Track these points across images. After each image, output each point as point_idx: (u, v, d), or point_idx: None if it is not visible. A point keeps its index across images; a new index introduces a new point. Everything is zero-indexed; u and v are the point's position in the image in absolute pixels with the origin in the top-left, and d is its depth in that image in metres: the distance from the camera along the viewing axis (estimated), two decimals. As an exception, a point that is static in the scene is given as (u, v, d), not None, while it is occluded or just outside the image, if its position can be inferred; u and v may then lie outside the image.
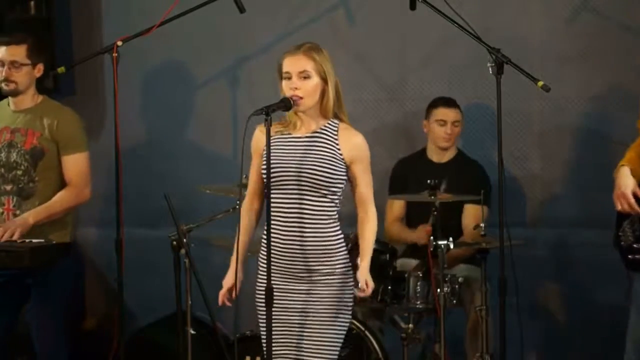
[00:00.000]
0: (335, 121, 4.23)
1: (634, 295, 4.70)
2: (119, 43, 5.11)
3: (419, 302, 5.28)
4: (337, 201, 4.22)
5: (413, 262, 5.51)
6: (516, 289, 5.10)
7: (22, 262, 4.80)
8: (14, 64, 5.10)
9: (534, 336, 5.97)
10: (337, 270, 4.18)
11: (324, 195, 4.16)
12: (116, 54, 5.09)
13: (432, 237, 5.13)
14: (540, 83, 4.80)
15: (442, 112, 5.76)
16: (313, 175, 4.15)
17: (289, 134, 4.25)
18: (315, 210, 4.17)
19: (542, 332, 6.04)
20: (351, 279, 4.22)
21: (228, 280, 4.31)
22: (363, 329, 5.21)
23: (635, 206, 4.54)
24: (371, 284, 4.18)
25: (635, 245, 4.64)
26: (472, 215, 5.60)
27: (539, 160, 6.08)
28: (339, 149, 4.18)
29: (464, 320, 5.59)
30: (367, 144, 4.25)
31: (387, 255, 5.34)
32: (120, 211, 5.08)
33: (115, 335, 5.19)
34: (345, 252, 4.23)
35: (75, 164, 5.14)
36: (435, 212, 5.18)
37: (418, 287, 5.28)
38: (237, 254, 4.30)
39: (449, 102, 5.78)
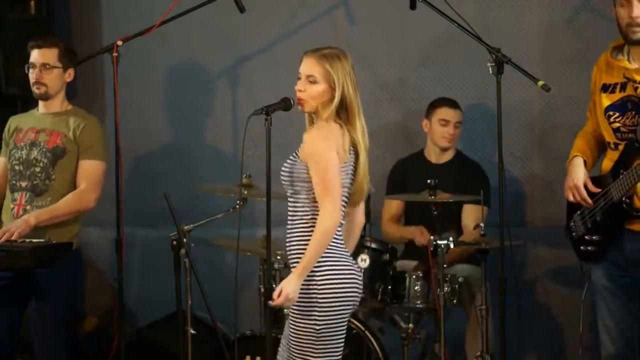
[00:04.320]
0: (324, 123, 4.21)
1: (595, 287, 4.71)
2: (119, 43, 5.11)
3: (419, 302, 5.28)
4: (309, 204, 4.14)
5: (413, 262, 5.52)
6: (516, 289, 5.10)
7: (23, 262, 4.79)
8: (45, 66, 5.10)
9: (534, 336, 5.97)
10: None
11: (291, 195, 4.18)
12: (116, 54, 5.09)
13: (432, 237, 5.14)
14: (541, 83, 4.80)
15: (445, 112, 5.75)
16: (281, 174, 4.20)
17: None
18: (290, 209, 4.19)
19: (542, 332, 6.04)
20: (326, 281, 4.10)
21: None
22: (363, 329, 5.21)
23: (587, 198, 4.59)
24: (284, 295, 4.00)
25: (586, 237, 4.67)
26: (471, 215, 5.60)
27: (539, 160, 6.08)
28: (299, 149, 4.19)
29: (464, 320, 5.59)
30: (322, 137, 4.12)
31: (387, 255, 5.35)
32: (120, 211, 5.09)
33: (115, 335, 5.19)
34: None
35: (89, 169, 5.12)
36: (435, 213, 5.18)
37: (418, 287, 5.28)
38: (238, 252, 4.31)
39: (452, 103, 5.78)
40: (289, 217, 4.19)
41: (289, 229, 4.19)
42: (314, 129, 4.20)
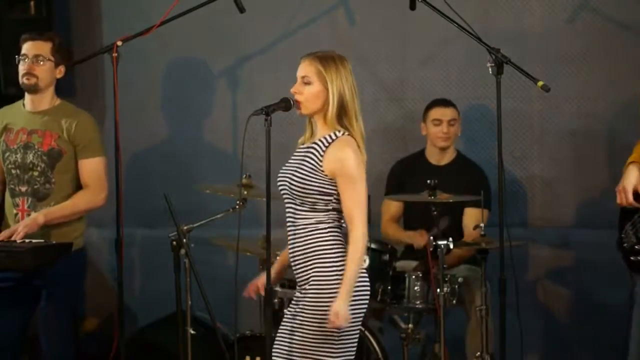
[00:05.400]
0: (339, 133, 4.16)
1: (637, 297, 4.71)
2: (119, 43, 5.11)
3: (418, 302, 5.28)
4: (325, 213, 4.13)
5: (413, 263, 5.52)
6: (516, 289, 5.10)
7: (23, 262, 4.78)
8: (37, 58, 5.07)
9: (534, 336, 5.97)
10: (320, 281, 4.10)
11: (303, 204, 4.13)
12: (116, 54, 5.09)
13: (431, 238, 5.13)
14: (540, 83, 4.80)
15: (437, 112, 5.76)
16: (287, 184, 4.14)
17: (302, 144, 4.26)
18: (297, 220, 4.15)
19: (542, 332, 6.05)
20: (336, 290, 4.09)
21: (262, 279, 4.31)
22: (363, 329, 5.20)
23: (632, 200, 4.60)
24: (342, 316, 4.01)
25: (637, 247, 4.65)
26: (472, 218, 5.58)
27: (539, 161, 6.08)
28: (320, 161, 4.13)
29: (464, 320, 5.59)
30: (357, 157, 4.10)
31: (387, 255, 5.34)
32: (120, 211, 5.09)
33: (115, 335, 5.19)
34: (333, 263, 4.11)
35: (91, 168, 5.11)
36: (435, 213, 5.18)
37: (418, 287, 5.28)
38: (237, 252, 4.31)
39: (443, 102, 5.80)
40: (297, 228, 4.13)
41: (299, 240, 4.13)
42: (344, 145, 4.12)
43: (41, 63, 5.08)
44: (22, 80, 5.11)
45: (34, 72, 5.07)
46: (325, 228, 4.14)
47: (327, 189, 4.12)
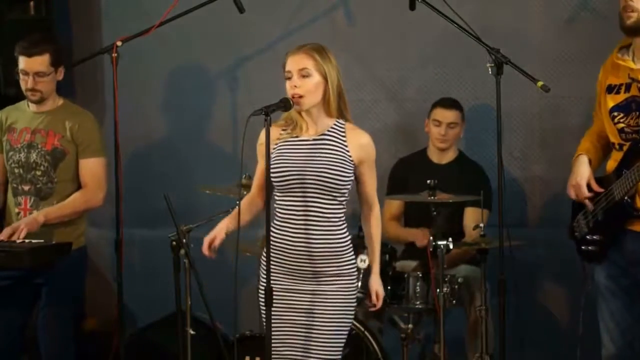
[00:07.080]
0: (342, 121, 4.25)
1: (597, 287, 4.72)
2: (119, 43, 5.11)
3: (418, 302, 5.28)
4: (344, 203, 4.25)
5: (412, 263, 5.52)
6: (516, 289, 5.09)
7: (22, 262, 4.79)
8: (38, 74, 5.07)
9: (534, 336, 5.97)
10: (344, 272, 4.23)
11: (334, 198, 4.19)
12: (116, 54, 5.09)
13: (431, 238, 5.13)
14: (540, 83, 4.80)
15: (439, 113, 5.77)
16: (322, 178, 4.16)
17: (296, 137, 4.26)
18: (323, 213, 4.19)
19: (542, 332, 6.04)
20: (356, 280, 4.29)
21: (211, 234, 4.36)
22: (362, 329, 5.21)
23: (587, 196, 4.62)
24: (382, 294, 4.29)
25: (588, 237, 4.67)
26: (472, 217, 5.58)
27: (539, 161, 6.08)
28: (347, 150, 4.20)
29: (464, 320, 5.59)
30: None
31: (387, 256, 5.34)
32: (120, 211, 5.09)
33: (115, 335, 5.19)
34: (352, 253, 4.27)
35: (91, 168, 5.14)
36: (435, 213, 5.18)
37: (417, 288, 5.28)
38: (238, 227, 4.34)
39: (447, 104, 5.78)
40: (322, 220, 4.19)
41: (327, 231, 4.20)
42: (361, 131, 4.27)
43: (43, 78, 5.08)
44: (27, 94, 5.13)
45: (37, 87, 5.09)
46: (342, 219, 4.26)
47: (353, 176, 4.25)
